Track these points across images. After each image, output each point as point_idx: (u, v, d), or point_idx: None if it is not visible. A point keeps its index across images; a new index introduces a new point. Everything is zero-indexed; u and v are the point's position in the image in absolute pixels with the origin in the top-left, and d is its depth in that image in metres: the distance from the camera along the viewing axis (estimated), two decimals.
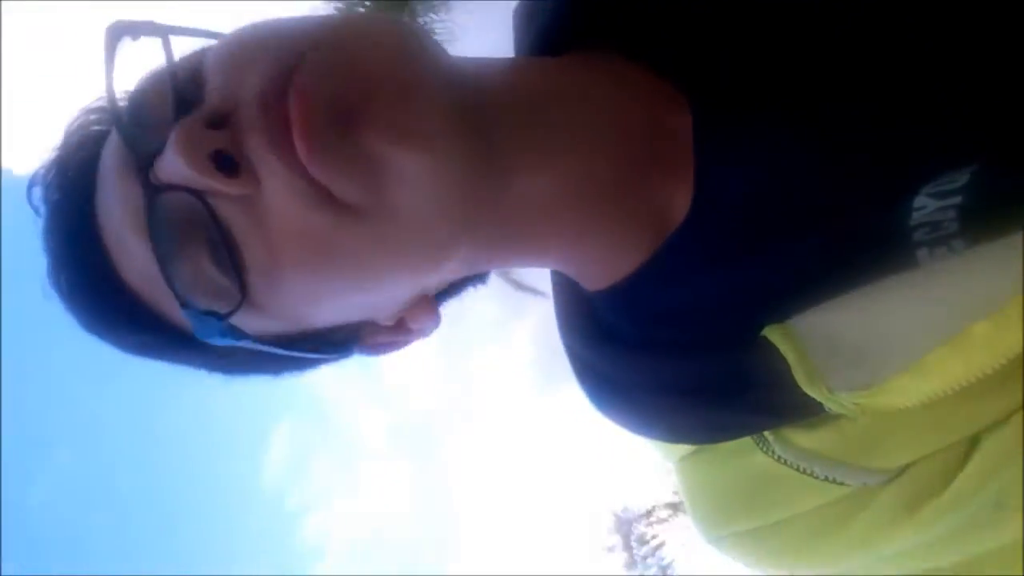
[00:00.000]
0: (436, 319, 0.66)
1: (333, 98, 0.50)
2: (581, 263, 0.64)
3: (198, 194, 0.52)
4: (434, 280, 0.62)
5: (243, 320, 0.56)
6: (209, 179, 0.51)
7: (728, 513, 0.61)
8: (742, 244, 0.56)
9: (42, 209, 0.64)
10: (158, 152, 0.53)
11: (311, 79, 0.51)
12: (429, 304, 0.64)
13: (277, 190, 0.52)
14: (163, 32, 0.58)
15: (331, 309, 0.61)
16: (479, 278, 0.70)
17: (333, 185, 0.51)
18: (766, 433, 0.58)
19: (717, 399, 0.59)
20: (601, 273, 0.62)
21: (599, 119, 0.59)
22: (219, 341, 0.58)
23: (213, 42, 0.59)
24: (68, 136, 0.65)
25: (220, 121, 0.51)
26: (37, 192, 0.64)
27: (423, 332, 0.67)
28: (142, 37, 0.57)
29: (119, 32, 0.57)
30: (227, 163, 0.51)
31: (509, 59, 0.66)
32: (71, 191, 0.62)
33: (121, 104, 0.56)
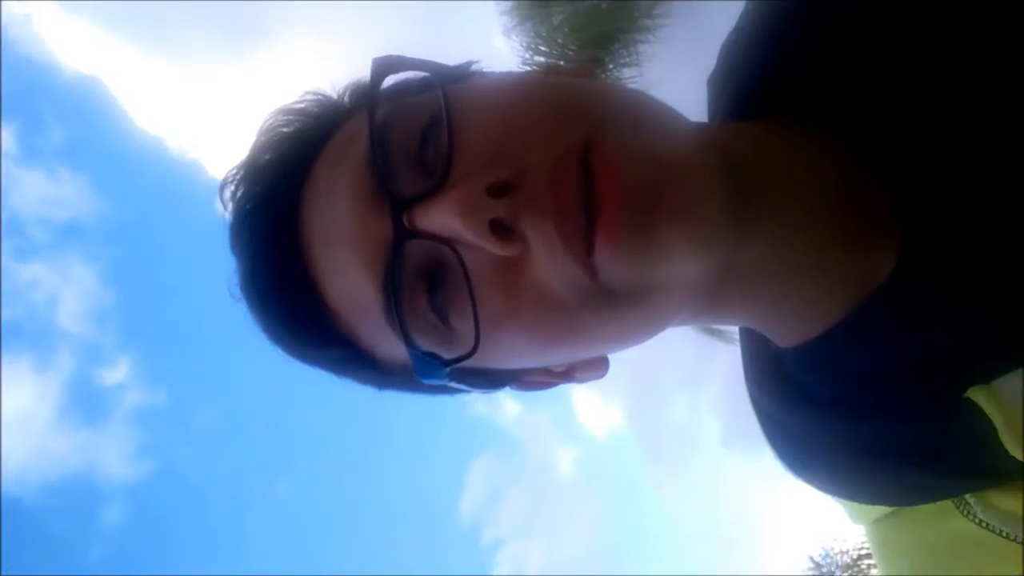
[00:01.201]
0: (605, 370, 0.67)
1: (637, 185, 0.50)
2: (775, 320, 0.63)
3: (450, 244, 0.53)
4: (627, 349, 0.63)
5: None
6: (484, 242, 0.51)
7: None
8: (945, 305, 0.54)
9: (233, 210, 0.64)
10: (417, 199, 0.53)
11: (615, 164, 0.51)
12: (605, 363, 0.66)
13: (543, 263, 0.52)
14: (431, 69, 0.59)
15: (527, 362, 0.62)
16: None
17: (611, 273, 0.52)
18: (967, 496, 0.56)
19: (916, 462, 0.57)
20: (794, 330, 0.61)
21: (815, 184, 0.58)
22: (433, 381, 0.59)
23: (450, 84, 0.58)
24: (262, 138, 0.64)
25: (500, 189, 0.52)
26: (228, 192, 0.64)
27: (585, 380, 0.68)
28: (406, 72, 0.59)
29: (386, 67, 0.58)
30: (500, 228, 0.51)
31: (736, 125, 0.66)
32: (270, 198, 0.61)
33: (375, 138, 0.56)
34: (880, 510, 0.64)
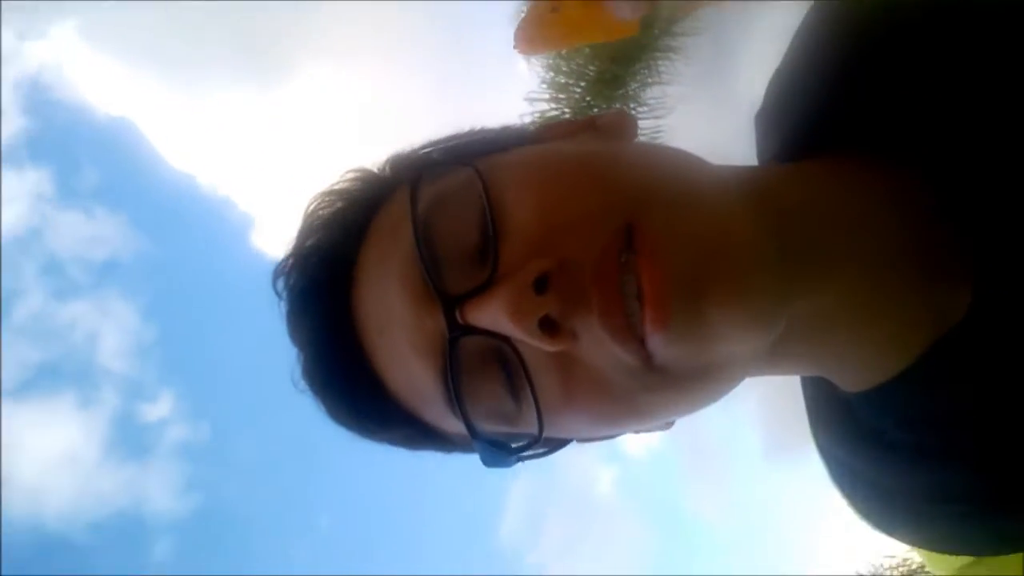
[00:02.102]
0: (671, 425, 0.65)
1: (681, 269, 0.50)
2: (842, 367, 0.62)
3: (506, 339, 0.53)
4: None
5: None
6: (534, 340, 0.51)
7: None
8: (1020, 348, 0.53)
9: (287, 300, 0.64)
10: (468, 296, 0.53)
11: (660, 248, 0.50)
12: (669, 423, 0.65)
13: (595, 354, 0.53)
14: (468, 152, 0.60)
15: (592, 435, 0.64)
16: None
17: (665, 357, 0.51)
18: None
19: (999, 508, 0.56)
20: (863, 375, 0.60)
21: (878, 229, 0.57)
22: (501, 467, 0.60)
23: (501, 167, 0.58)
24: (309, 223, 0.65)
25: (544, 283, 0.51)
26: (281, 282, 0.64)
27: (650, 431, 0.67)
28: (438, 168, 0.59)
29: (422, 166, 0.59)
30: (549, 323, 0.52)
31: (781, 169, 0.64)
32: (322, 286, 0.62)
33: (420, 235, 0.55)
34: (964, 559, 0.62)
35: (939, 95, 0.57)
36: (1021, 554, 0.54)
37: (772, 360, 0.59)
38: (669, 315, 0.49)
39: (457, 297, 0.54)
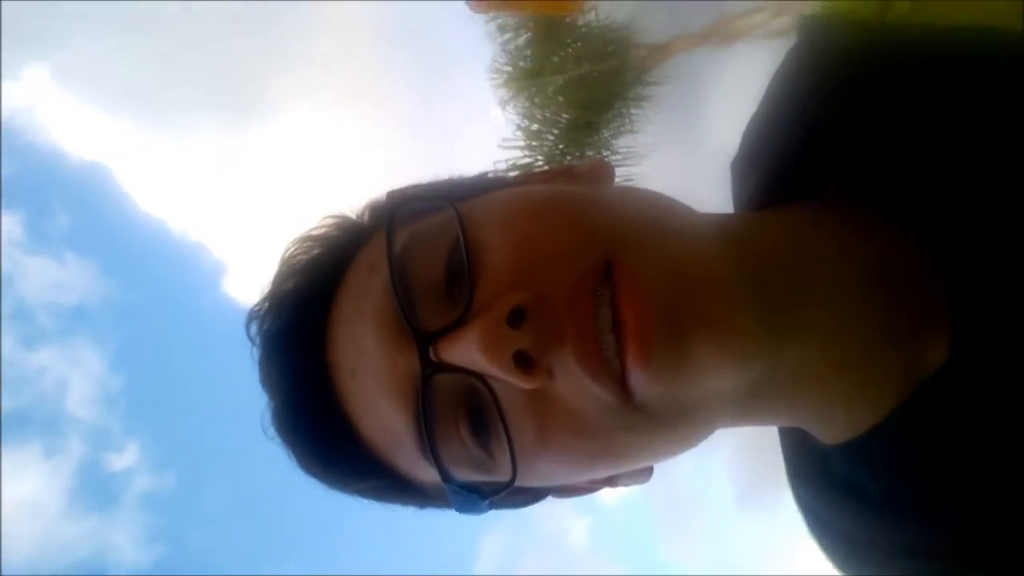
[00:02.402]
0: (649, 475, 0.64)
1: (662, 303, 0.49)
2: (819, 419, 0.61)
3: (480, 378, 0.52)
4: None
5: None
6: (509, 376, 0.50)
7: None
8: (1002, 397, 0.52)
9: (260, 345, 0.63)
10: (441, 333, 0.52)
11: (639, 281, 0.49)
12: (648, 472, 0.64)
13: (573, 392, 0.51)
14: (446, 192, 0.58)
15: (568, 480, 0.61)
16: None
17: (646, 394, 0.50)
18: None
19: (976, 565, 0.54)
20: (840, 426, 0.59)
21: (856, 275, 0.57)
22: (473, 513, 0.58)
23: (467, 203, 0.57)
24: (285, 268, 0.64)
25: (519, 317, 0.51)
26: (254, 326, 0.64)
27: (627, 485, 0.65)
28: (415, 207, 0.58)
29: (400, 202, 0.58)
30: (524, 359, 0.51)
31: (763, 216, 0.63)
32: (295, 331, 0.61)
33: (396, 274, 0.54)
34: None
35: (911, 144, 0.57)
36: None
37: (751, 408, 0.58)
38: (652, 352, 0.48)
39: (431, 334, 0.53)
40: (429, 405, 0.53)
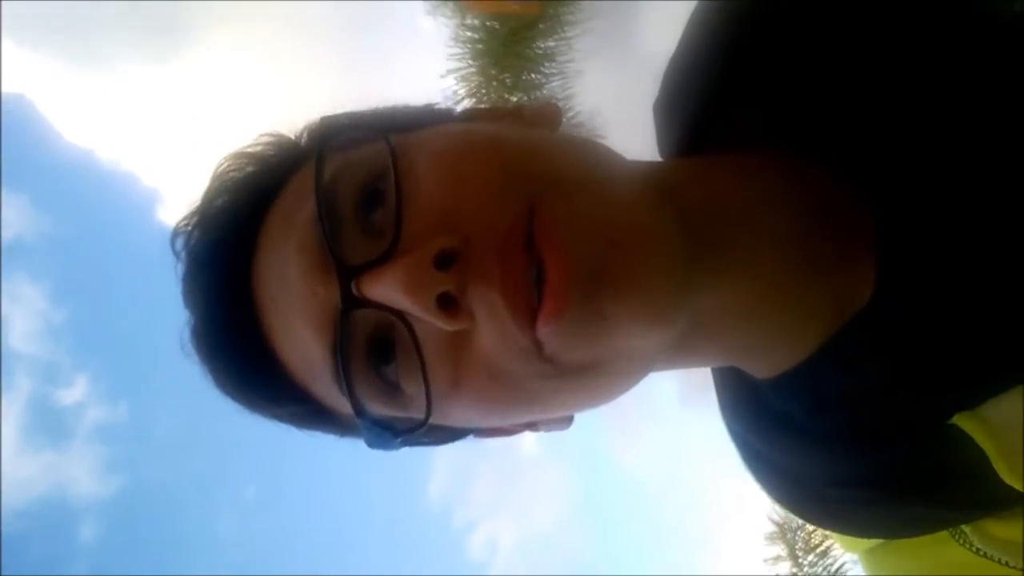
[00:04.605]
0: (569, 423, 0.65)
1: (583, 260, 0.49)
2: (750, 356, 0.61)
3: (400, 315, 0.52)
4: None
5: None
6: (430, 316, 0.50)
7: None
8: (926, 329, 0.53)
9: (185, 260, 0.63)
10: (365, 268, 0.52)
11: (559, 236, 0.49)
12: (568, 418, 0.65)
13: (492, 336, 0.52)
14: (382, 123, 0.58)
15: (483, 424, 0.62)
16: None
17: (555, 348, 0.50)
18: (963, 526, 0.55)
19: (903, 492, 0.56)
20: (772, 362, 0.60)
21: (782, 217, 0.57)
22: (385, 449, 0.58)
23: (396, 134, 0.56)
24: (216, 183, 0.63)
25: (446, 260, 0.51)
26: (180, 240, 0.63)
27: (548, 430, 0.66)
28: (348, 137, 0.57)
29: (334, 130, 0.57)
30: (448, 301, 0.51)
31: (680, 163, 0.63)
32: (222, 248, 0.60)
33: (322, 202, 0.54)
34: (873, 540, 0.62)
35: (833, 76, 0.57)
36: (927, 535, 0.55)
37: (677, 355, 0.59)
38: (564, 309, 0.49)
39: (354, 267, 0.53)
40: (347, 339, 0.53)
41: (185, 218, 0.63)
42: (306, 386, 0.59)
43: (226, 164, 0.64)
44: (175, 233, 0.63)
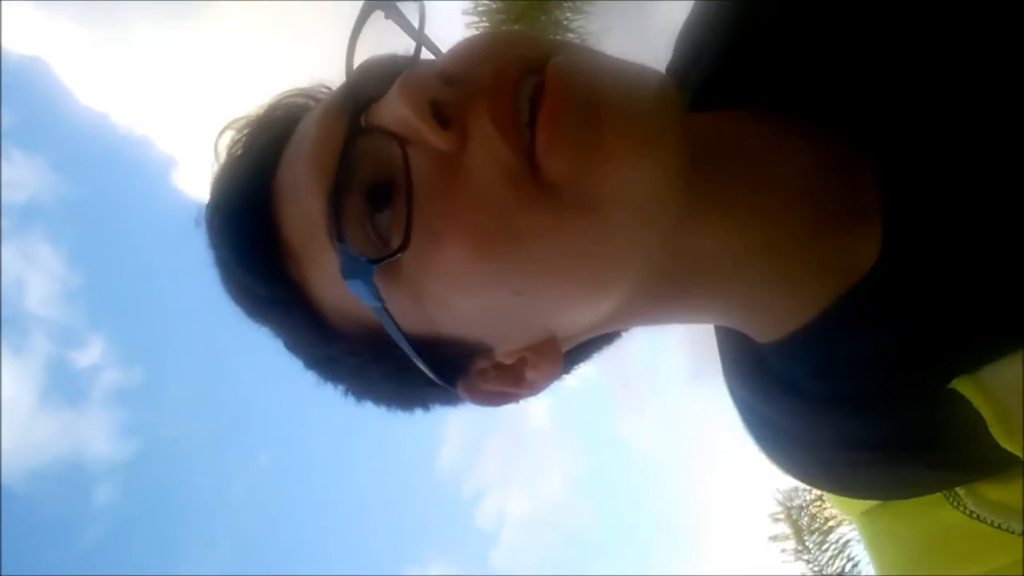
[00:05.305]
0: (557, 371, 0.62)
1: (586, 93, 0.50)
2: (753, 314, 0.61)
3: (399, 140, 0.53)
4: (577, 319, 0.59)
5: (386, 289, 0.55)
6: (422, 122, 0.51)
7: (918, 569, 0.58)
8: (930, 293, 0.53)
9: (224, 156, 0.64)
10: (378, 97, 0.55)
11: (568, 75, 0.51)
12: (555, 351, 0.61)
13: (482, 156, 0.52)
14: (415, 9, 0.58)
15: (468, 307, 0.57)
16: (609, 339, 0.68)
17: (552, 166, 0.50)
18: (958, 489, 0.55)
19: (904, 454, 0.56)
20: (775, 324, 0.60)
21: (788, 171, 0.57)
22: (359, 291, 0.55)
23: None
24: (269, 107, 0.65)
25: (450, 80, 0.53)
26: (225, 137, 0.65)
27: (536, 385, 0.63)
28: (393, 15, 0.58)
29: (372, 6, 0.58)
30: (442, 120, 0.52)
31: (699, 115, 0.63)
32: (256, 145, 0.62)
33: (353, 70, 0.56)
34: (869, 502, 0.63)
35: (842, 43, 0.58)
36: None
37: (681, 296, 0.59)
38: (563, 118, 0.49)
39: (365, 100, 0.55)
40: (347, 174, 0.53)
41: (234, 119, 0.65)
42: (299, 260, 0.59)
43: (284, 95, 0.66)
44: (221, 129, 0.65)
